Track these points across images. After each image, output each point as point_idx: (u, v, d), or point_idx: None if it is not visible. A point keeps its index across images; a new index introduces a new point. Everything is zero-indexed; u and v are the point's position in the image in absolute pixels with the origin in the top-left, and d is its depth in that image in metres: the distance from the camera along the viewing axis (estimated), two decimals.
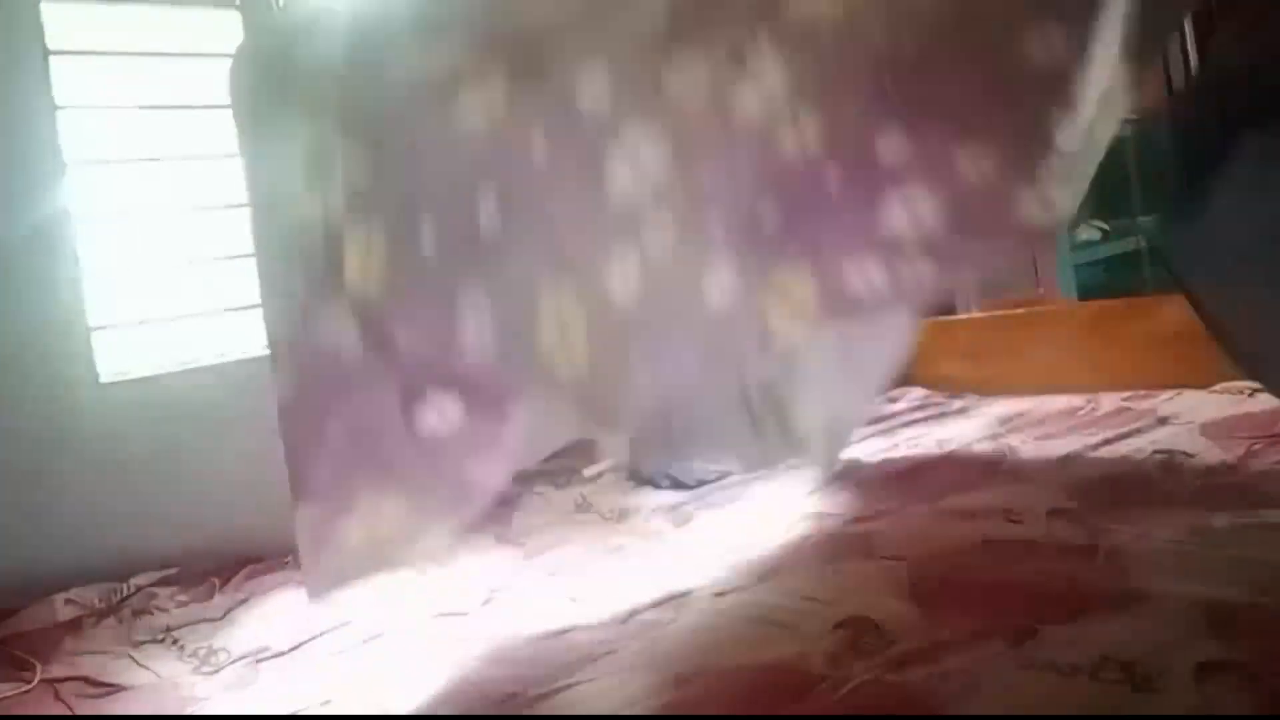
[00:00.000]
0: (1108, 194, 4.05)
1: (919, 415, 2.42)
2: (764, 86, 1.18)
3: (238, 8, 2.05)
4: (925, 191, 1.12)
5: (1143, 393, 2.26)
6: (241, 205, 2.03)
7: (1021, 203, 1.08)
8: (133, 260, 1.93)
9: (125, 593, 1.70)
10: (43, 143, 1.79)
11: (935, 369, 2.68)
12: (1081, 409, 2.24)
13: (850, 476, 2.08)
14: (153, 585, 1.73)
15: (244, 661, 1.54)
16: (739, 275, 1.21)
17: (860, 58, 1.14)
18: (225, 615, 1.69)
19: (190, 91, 2.04)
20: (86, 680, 1.51)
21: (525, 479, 2.26)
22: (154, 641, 1.63)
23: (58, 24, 1.84)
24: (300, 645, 1.58)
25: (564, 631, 1.47)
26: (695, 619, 1.44)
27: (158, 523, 1.85)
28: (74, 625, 1.62)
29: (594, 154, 1.24)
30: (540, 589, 1.68)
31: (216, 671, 1.53)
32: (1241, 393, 2.16)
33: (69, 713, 1.43)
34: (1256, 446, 1.86)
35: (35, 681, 1.48)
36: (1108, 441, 2.01)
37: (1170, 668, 1.11)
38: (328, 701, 1.37)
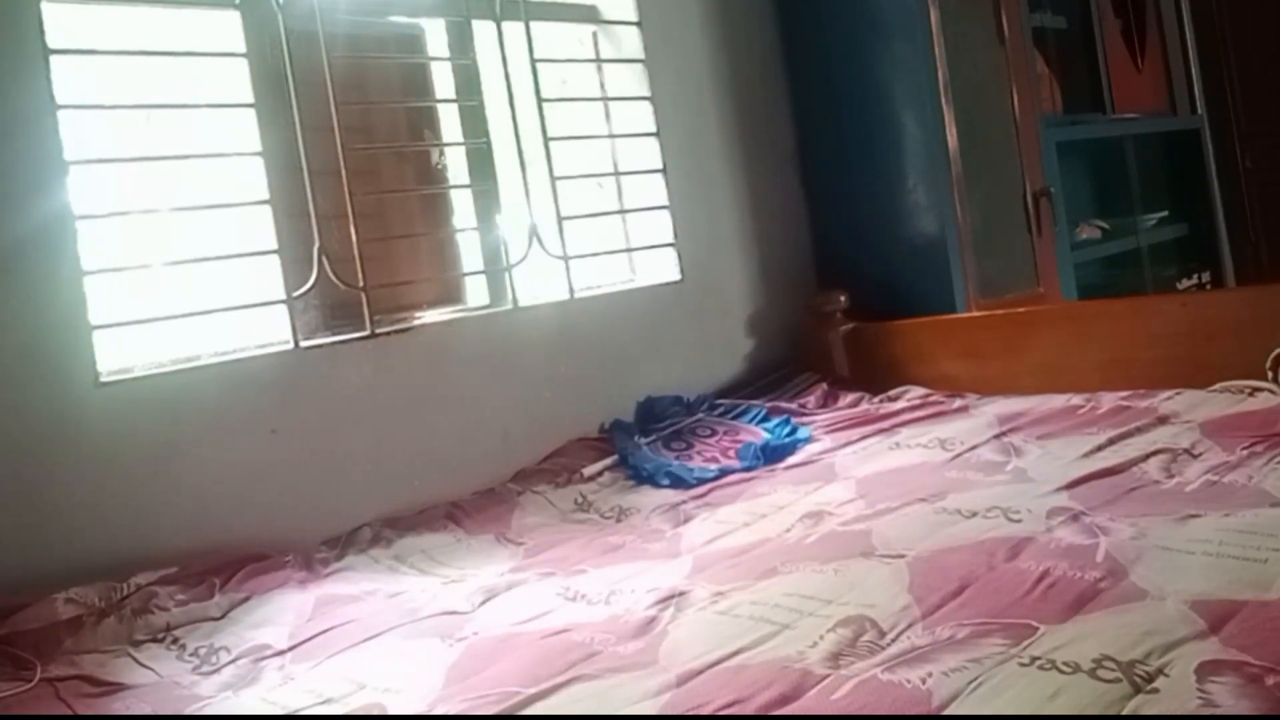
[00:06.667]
0: (1108, 194, 4.07)
1: (919, 414, 2.42)
2: None
3: (237, 7, 2.05)
4: None
5: (1143, 392, 2.26)
6: (241, 204, 2.05)
7: None
8: (133, 260, 1.93)
9: (125, 592, 1.69)
10: (43, 143, 1.78)
11: (935, 368, 2.69)
12: (1081, 408, 2.24)
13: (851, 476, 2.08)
14: (153, 584, 1.72)
15: (244, 661, 1.54)
16: None
17: None
18: (225, 615, 1.69)
19: (190, 91, 2.04)
20: (86, 679, 1.50)
21: (525, 478, 2.26)
22: (154, 641, 1.62)
23: (58, 24, 1.84)
24: (300, 645, 1.58)
25: (564, 631, 1.47)
26: (695, 619, 1.44)
27: (158, 522, 1.85)
28: (74, 624, 1.61)
29: None
30: (540, 588, 1.68)
31: (216, 671, 1.53)
32: (1241, 392, 2.17)
33: (69, 712, 1.43)
34: (1257, 446, 1.86)
35: (35, 680, 1.48)
36: (1108, 441, 2.01)
37: (1170, 668, 1.11)
38: (327, 701, 1.37)
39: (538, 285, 2.50)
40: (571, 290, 2.51)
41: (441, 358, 2.28)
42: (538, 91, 2.50)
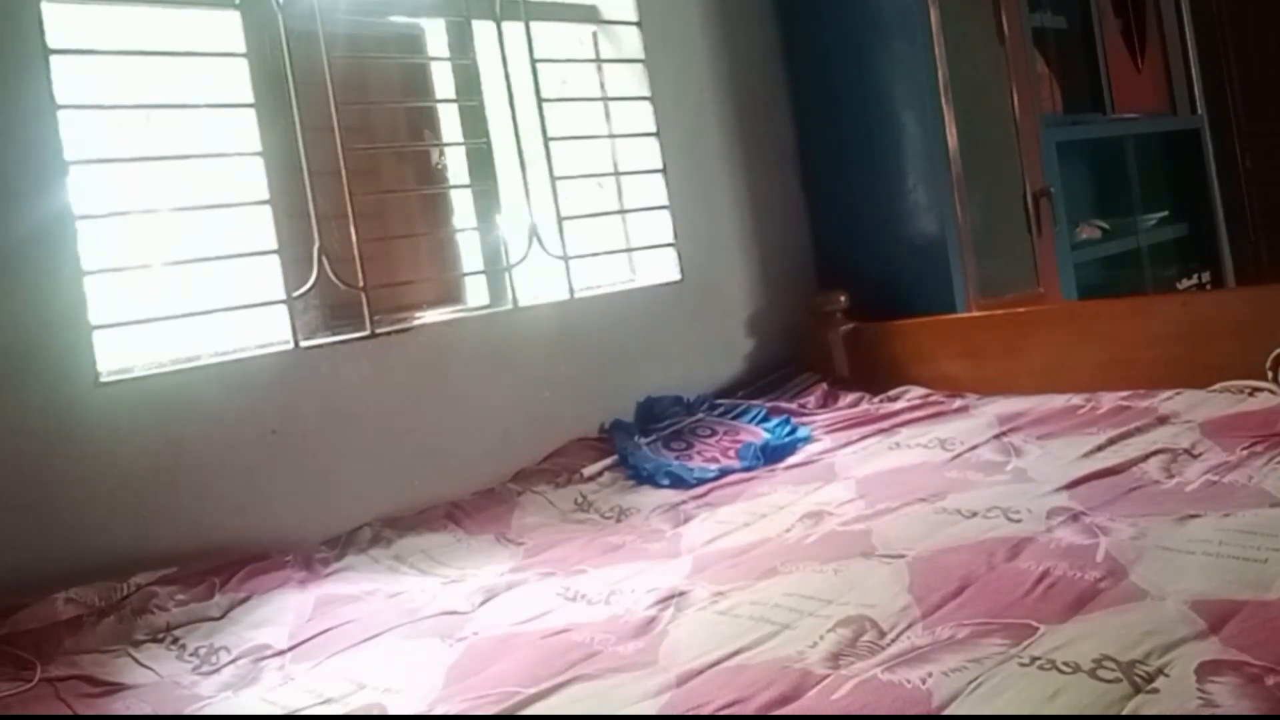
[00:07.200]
0: (1108, 194, 4.07)
1: (919, 414, 2.42)
2: None
3: (237, 7, 2.05)
4: None
5: (1143, 392, 2.26)
6: (241, 204, 2.05)
7: None
8: (133, 260, 1.93)
9: (125, 592, 1.69)
10: (43, 143, 1.78)
11: (935, 368, 2.69)
12: (1081, 408, 2.24)
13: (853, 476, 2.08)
14: (153, 584, 1.72)
15: (244, 661, 1.54)
16: None
17: None
18: (225, 615, 1.69)
19: (190, 91, 2.05)
20: (86, 679, 1.50)
21: (525, 478, 2.26)
22: (154, 640, 1.62)
23: (58, 24, 1.84)
24: (300, 645, 1.58)
25: (564, 631, 1.47)
26: (695, 619, 1.44)
27: (158, 522, 1.85)
28: (74, 624, 1.61)
29: None
30: (540, 588, 1.68)
31: (216, 671, 1.53)
32: (1241, 392, 2.17)
33: (69, 712, 1.43)
34: (1257, 446, 1.86)
35: (35, 680, 1.48)
36: (1108, 441, 2.01)
37: (1170, 668, 1.11)
38: (327, 701, 1.37)
39: (538, 285, 2.50)
40: (571, 290, 2.51)
41: (441, 358, 2.28)
42: (538, 91, 2.50)
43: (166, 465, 1.87)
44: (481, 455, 2.28)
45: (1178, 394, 2.21)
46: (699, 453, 2.36)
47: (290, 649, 1.57)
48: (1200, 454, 1.89)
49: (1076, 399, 2.29)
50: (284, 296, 2.05)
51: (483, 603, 1.65)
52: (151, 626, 1.65)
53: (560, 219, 2.51)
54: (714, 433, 2.45)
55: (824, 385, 2.73)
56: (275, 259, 2.05)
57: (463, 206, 2.54)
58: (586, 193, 2.66)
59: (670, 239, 2.73)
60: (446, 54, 2.53)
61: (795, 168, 3.07)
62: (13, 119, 1.77)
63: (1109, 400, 2.25)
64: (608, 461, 2.31)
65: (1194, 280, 4.16)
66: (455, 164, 2.55)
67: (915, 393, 2.61)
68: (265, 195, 2.05)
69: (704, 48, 2.88)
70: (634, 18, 2.72)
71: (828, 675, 1.20)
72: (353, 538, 1.99)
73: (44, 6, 1.81)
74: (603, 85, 2.74)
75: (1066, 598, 1.32)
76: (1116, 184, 4.07)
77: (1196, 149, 4.27)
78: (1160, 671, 1.10)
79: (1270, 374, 2.17)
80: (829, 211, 3.05)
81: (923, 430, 2.29)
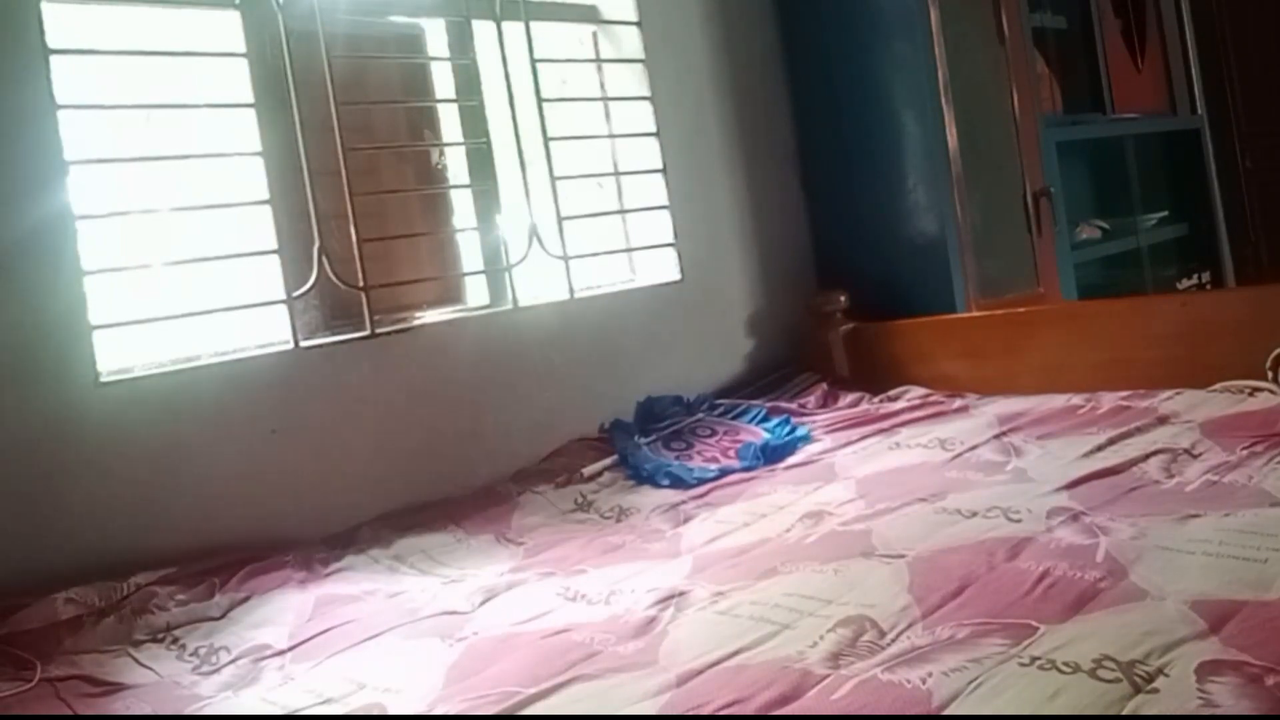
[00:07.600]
0: (1108, 194, 4.07)
1: (919, 414, 2.42)
2: None
3: (237, 7, 2.05)
4: None
5: (1143, 392, 2.26)
6: (241, 204, 2.05)
7: None
8: (133, 260, 1.93)
9: (125, 592, 1.69)
10: (43, 143, 1.79)
11: (935, 368, 2.69)
12: (1081, 408, 2.24)
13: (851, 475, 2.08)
14: (153, 584, 1.72)
15: (244, 661, 1.54)
16: None
17: None
18: (225, 615, 1.69)
19: (190, 91, 2.05)
20: (86, 679, 1.50)
21: (525, 478, 2.26)
22: (154, 640, 1.63)
23: (58, 24, 1.84)
24: (300, 645, 1.58)
25: (564, 631, 1.47)
26: (695, 619, 1.44)
27: (158, 522, 1.85)
28: (74, 624, 1.61)
29: None
30: (540, 588, 1.68)
31: (216, 671, 1.53)
32: (1241, 392, 2.17)
33: (69, 712, 1.43)
34: (1257, 446, 1.86)
35: (35, 680, 1.48)
36: (1108, 441, 2.01)
37: (1170, 668, 1.11)
38: (327, 701, 1.37)
39: (538, 285, 2.50)
40: (571, 290, 2.51)
41: (441, 358, 2.28)
42: (538, 91, 2.50)
43: (166, 465, 1.87)
44: (481, 455, 2.28)
45: (1178, 394, 2.21)
46: (699, 453, 2.36)
47: (290, 649, 1.57)
48: (1200, 454, 1.89)
49: (1076, 399, 2.29)
50: (284, 296, 2.05)
51: (483, 603, 1.65)
52: (151, 626, 1.65)
53: (560, 219, 2.51)
54: (714, 433, 2.45)
55: (824, 385, 2.73)
56: (275, 259, 2.05)
57: (463, 206, 2.54)
58: (586, 193, 2.66)
59: (670, 239, 2.73)
60: (446, 54, 2.53)
61: (795, 168, 3.07)
62: (13, 119, 1.77)
63: (1109, 400, 2.25)
64: (608, 461, 2.31)
65: (1194, 280, 4.16)
66: (455, 164, 2.55)
67: (915, 393, 2.61)
68: (265, 195, 2.05)
69: (704, 48, 2.88)
70: (634, 18, 2.72)
71: (828, 675, 1.20)
72: (353, 537, 2.00)
73: (44, 6, 1.81)
74: (603, 85, 2.74)
75: (1066, 598, 1.32)
76: (1116, 184, 4.07)
77: (1196, 149, 4.27)
78: (1160, 671, 1.10)
79: (1270, 374, 2.17)
80: (829, 211, 3.05)
81: (923, 430, 2.29)
